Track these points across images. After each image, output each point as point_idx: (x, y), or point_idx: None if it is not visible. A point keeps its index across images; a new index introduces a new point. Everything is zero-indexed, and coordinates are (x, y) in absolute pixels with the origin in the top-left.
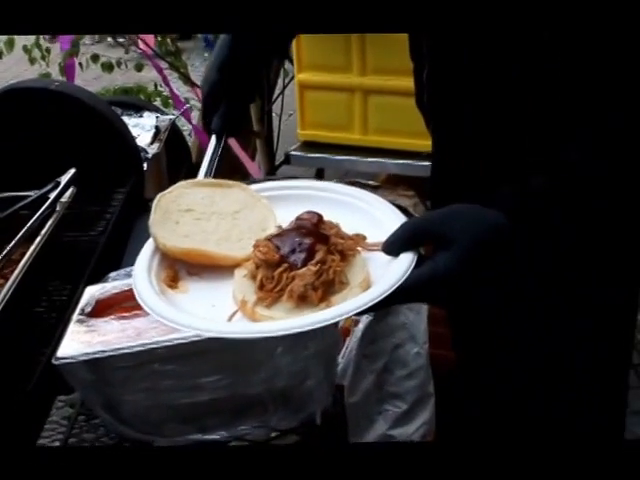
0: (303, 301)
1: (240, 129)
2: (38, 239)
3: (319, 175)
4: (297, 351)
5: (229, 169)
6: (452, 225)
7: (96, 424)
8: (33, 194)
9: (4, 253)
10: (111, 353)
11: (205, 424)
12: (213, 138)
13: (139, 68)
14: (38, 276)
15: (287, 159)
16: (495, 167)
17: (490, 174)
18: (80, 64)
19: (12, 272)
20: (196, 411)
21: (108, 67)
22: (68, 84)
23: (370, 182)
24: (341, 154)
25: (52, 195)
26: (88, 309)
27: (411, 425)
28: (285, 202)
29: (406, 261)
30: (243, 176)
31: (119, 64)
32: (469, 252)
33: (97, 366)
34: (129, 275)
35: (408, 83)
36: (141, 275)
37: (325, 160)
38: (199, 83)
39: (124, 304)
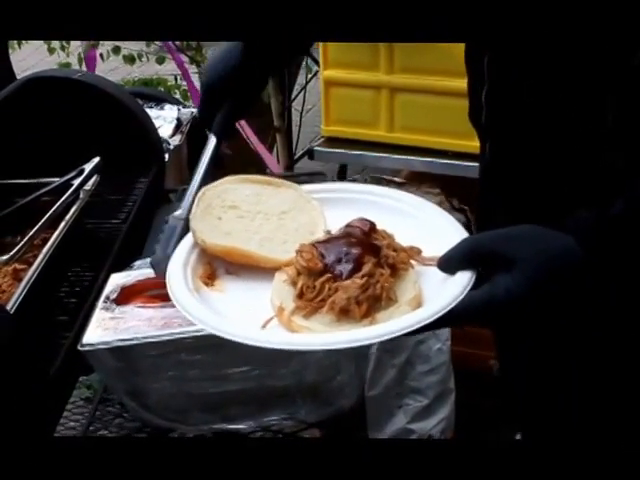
0: (344, 315)
1: (235, 132)
2: (62, 225)
3: (342, 171)
4: None
5: (244, 162)
6: (516, 246)
7: (117, 410)
8: (57, 180)
9: (27, 238)
10: (138, 341)
11: (231, 414)
12: (213, 138)
13: (160, 61)
14: (60, 262)
15: (311, 154)
16: (559, 191)
17: (551, 198)
18: (101, 55)
19: (35, 257)
20: (222, 400)
21: (130, 59)
22: (91, 74)
23: (395, 179)
24: (365, 150)
25: (76, 182)
26: (113, 296)
27: (431, 420)
28: (338, 206)
29: (462, 281)
30: (259, 170)
31: (140, 56)
32: (532, 277)
33: (123, 353)
34: None
35: (435, 82)
36: (176, 270)
37: (349, 156)
38: None
39: (149, 292)
